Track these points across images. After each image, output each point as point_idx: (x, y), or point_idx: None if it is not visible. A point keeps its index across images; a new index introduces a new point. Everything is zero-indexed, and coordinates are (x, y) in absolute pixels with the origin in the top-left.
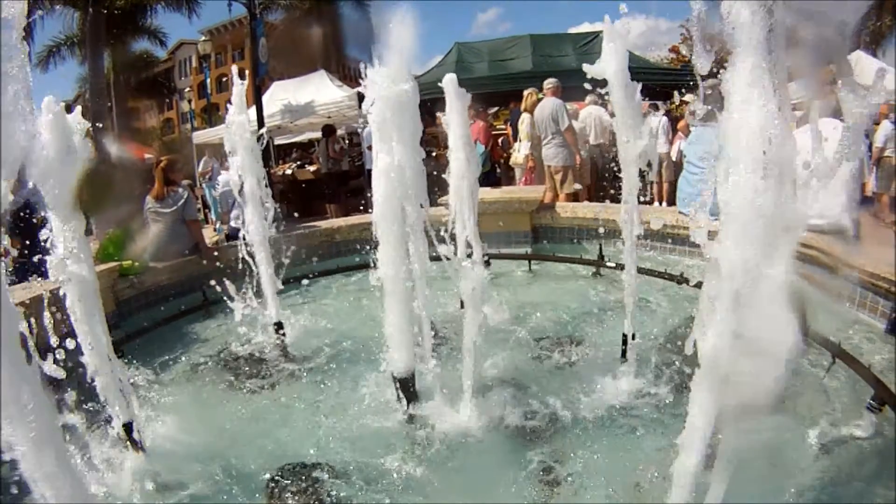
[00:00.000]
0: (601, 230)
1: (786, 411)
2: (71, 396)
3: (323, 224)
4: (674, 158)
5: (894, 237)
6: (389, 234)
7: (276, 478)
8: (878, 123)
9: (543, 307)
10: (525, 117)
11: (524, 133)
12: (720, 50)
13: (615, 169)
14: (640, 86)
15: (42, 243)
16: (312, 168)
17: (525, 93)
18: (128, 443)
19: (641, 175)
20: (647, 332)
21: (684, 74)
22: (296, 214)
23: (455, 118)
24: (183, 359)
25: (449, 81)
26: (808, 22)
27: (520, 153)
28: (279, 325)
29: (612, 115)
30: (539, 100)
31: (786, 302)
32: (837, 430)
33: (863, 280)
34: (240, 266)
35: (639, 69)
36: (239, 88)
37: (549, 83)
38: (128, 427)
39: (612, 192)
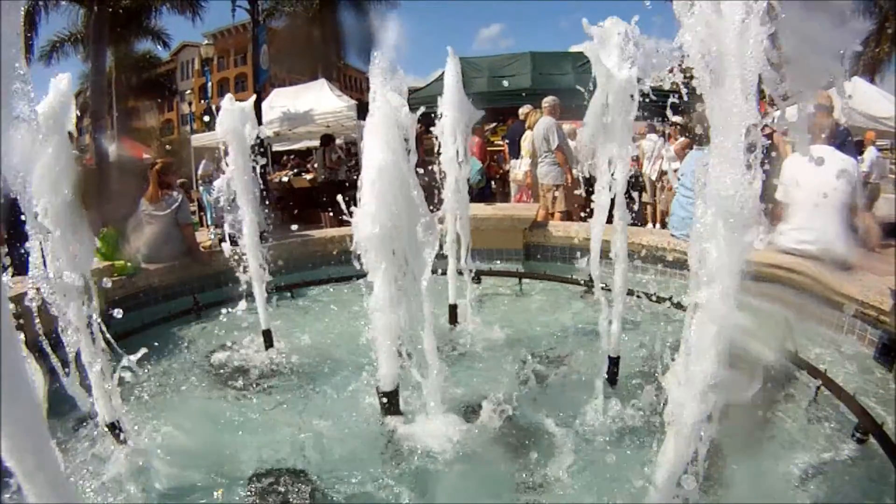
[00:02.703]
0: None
1: (770, 438)
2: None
3: (316, 233)
4: (652, 178)
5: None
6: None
7: (258, 482)
8: (864, 149)
9: (532, 325)
10: (528, 134)
11: (525, 150)
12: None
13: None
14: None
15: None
16: (309, 176)
17: (521, 110)
18: (112, 443)
19: (630, 195)
20: (633, 352)
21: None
22: (294, 226)
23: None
24: (170, 362)
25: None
26: (805, 46)
27: (519, 169)
28: (268, 333)
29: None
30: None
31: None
32: (821, 458)
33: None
34: (231, 272)
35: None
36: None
37: (545, 102)
38: (113, 427)
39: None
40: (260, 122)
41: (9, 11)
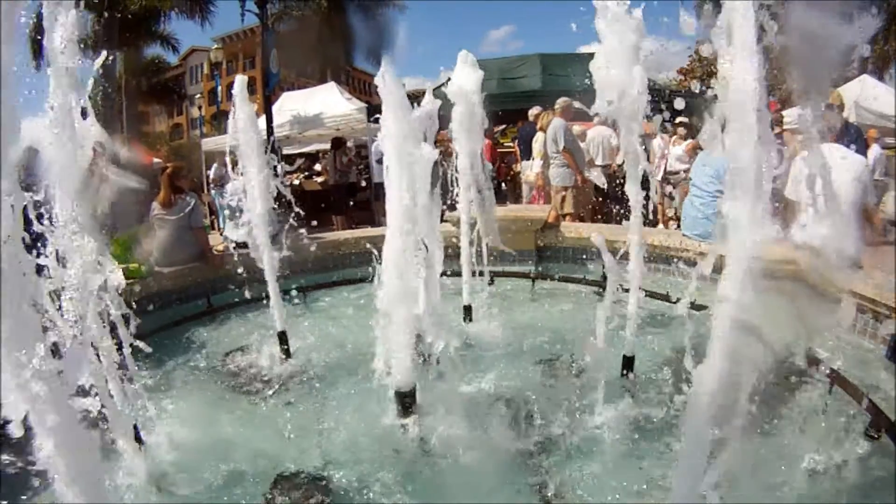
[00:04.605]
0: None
1: (781, 436)
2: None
3: (329, 236)
4: (657, 178)
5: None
6: (396, 247)
7: (274, 485)
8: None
9: (545, 326)
10: (539, 136)
11: (537, 151)
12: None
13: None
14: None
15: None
16: (320, 179)
17: (531, 112)
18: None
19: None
20: (647, 351)
21: (692, 96)
22: (313, 222)
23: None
24: (185, 364)
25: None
26: (814, 44)
27: (531, 171)
28: (283, 335)
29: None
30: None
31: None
32: (833, 456)
33: (862, 305)
34: (245, 274)
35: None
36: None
37: (558, 103)
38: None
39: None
40: (270, 125)
41: (9, 11)
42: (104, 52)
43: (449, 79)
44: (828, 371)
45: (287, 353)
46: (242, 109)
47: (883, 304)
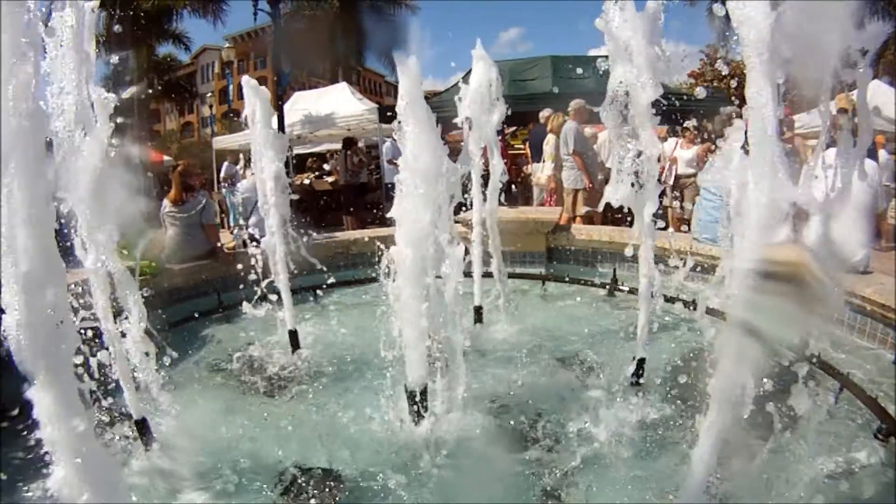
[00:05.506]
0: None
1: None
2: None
3: (339, 235)
4: (669, 182)
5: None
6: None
7: (282, 483)
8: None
9: (555, 328)
10: (550, 138)
11: (547, 154)
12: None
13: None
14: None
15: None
16: (330, 179)
17: (542, 114)
18: (138, 440)
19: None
20: (657, 355)
21: (703, 100)
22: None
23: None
24: (195, 362)
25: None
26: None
27: (542, 173)
28: (294, 333)
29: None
30: (564, 122)
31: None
32: (841, 460)
33: (871, 310)
34: (255, 272)
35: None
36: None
37: (570, 105)
38: (140, 424)
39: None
40: (282, 125)
41: (9, 11)
42: (134, 87)
43: (462, 79)
44: (835, 375)
45: (297, 352)
46: (262, 111)
47: (891, 309)
